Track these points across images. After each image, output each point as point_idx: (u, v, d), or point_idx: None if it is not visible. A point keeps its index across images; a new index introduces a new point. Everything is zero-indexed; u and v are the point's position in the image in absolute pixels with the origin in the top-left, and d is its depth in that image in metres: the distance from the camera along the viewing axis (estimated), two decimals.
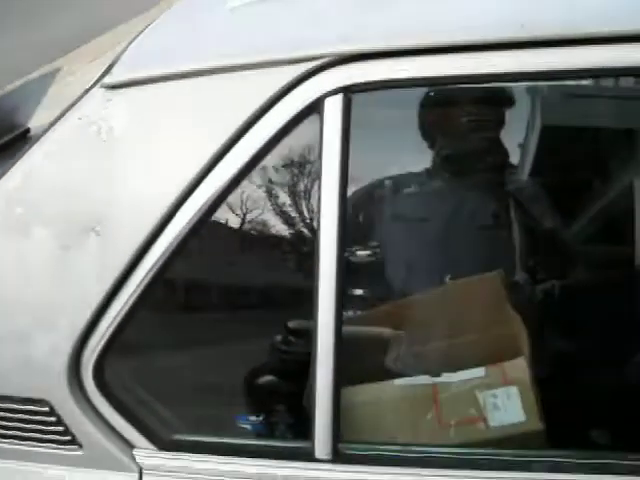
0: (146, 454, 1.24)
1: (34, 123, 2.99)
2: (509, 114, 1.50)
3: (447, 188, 1.55)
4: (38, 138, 1.25)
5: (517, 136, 1.55)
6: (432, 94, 1.34)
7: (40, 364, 1.24)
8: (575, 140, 1.55)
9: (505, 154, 1.52)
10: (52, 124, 1.24)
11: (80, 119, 1.19)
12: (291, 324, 1.33)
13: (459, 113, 1.45)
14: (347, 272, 1.28)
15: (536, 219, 1.53)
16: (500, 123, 1.51)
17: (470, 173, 1.53)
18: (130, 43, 1.28)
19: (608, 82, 1.38)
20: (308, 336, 1.16)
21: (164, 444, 1.25)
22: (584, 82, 1.33)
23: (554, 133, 1.60)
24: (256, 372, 1.37)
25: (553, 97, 1.53)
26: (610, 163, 1.57)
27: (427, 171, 1.54)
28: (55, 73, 2.96)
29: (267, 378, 1.38)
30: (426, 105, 1.40)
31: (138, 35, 1.33)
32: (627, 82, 1.36)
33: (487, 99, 1.42)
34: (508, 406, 1.27)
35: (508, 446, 1.19)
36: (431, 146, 1.50)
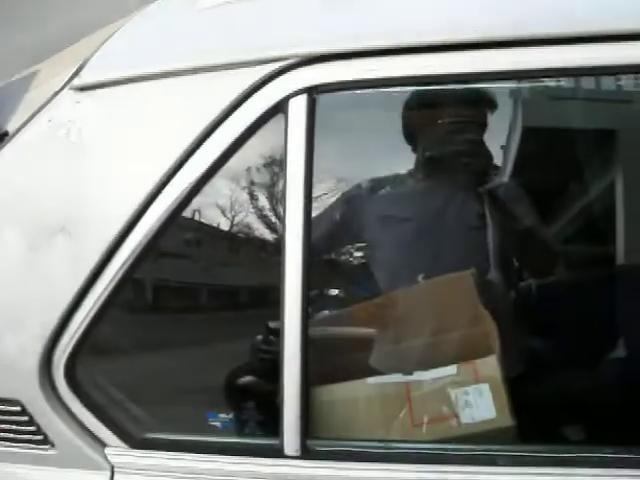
0: (118, 452, 1.25)
1: (12, 126, 2.99)
2: (483, 115, 1.50)
3: (425, 188, 1.56)
4: (8, 140, 1.25)
5: (498, 137, 1.55)
6: (398, 94, 1.35)
7: (11, 364, 1.25)
8: (555, 141, 1.56)
9: (484, 155, 1.52)
10: (22, 126, 1.25)
11: (50, 121, 1.20)
12: (272, 324, 1.34)
13: (428, 114, 1.46)
14: (323, 272, 1.30)
15: (516, 218, 1.54)
16: (473, 123, 1.51)
17: (440, 173, 1.54)
18: (100, 45, 1.28)
19: (588, 83, 1.39)
20: None
21: (136, 442, 1.26)
22: (563, 83, 1.33)
23: (535, 134, 1.61)
24: (230, 372, 1.38)
25: (533, 98, 1.54)
26: (591, 163, 1.58)
27: (397, 171, 1.55)
28: (33, 76, 2.96)
29: (241, 377, 1.38)
30: (394, 106, 1.41)
31: (109, 37, 1.34)
32: (608, 83, 1.37)
33: (456, 99, 1.43)
34: (480, 403, 1.28)
35: (479, 442, 1.20)
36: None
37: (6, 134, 2.85)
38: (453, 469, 1.14)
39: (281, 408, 1.16)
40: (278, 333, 1.23)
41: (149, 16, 1.39)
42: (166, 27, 1.29)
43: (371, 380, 1.34)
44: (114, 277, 1.17)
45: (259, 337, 1.35)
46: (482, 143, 1.49)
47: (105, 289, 1.18)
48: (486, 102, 1.46)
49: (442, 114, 1.45)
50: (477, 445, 1.18)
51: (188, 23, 1.28)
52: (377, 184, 1.53)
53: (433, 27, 1.12)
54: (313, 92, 1.11)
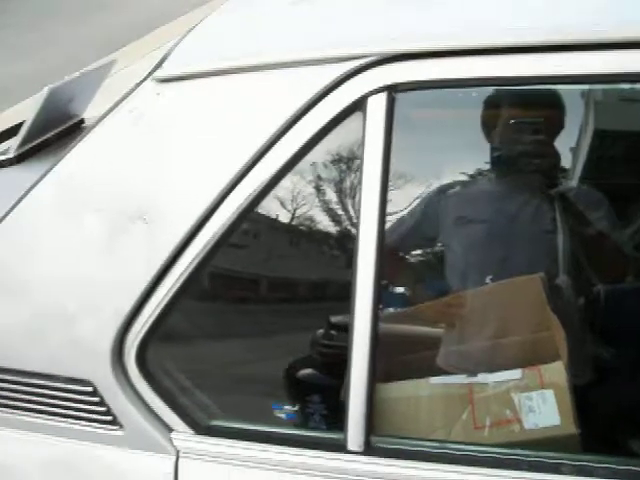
0: (183, 438, 1.28)
1: (89, 114, 3.06)
2: (557, 117, 1.49)
3: (497, 190, 1.55)
4: (92, 128, 1.28)
5: (570, 140, 1.53)
6: (477, 95, 1.34)
7: (86, 346, 1.28)
8: (630, 144, 1.53)
9: (556, 157, 1.51)
10: (104, 115, 1.28)
11: (131, 111, 1.23)
12: (334, 319, 1.35)
13: (505, 114, 1.45)
14: (392, 269, 1.30)
15: (590, 223, 1.52)
16: (549, 126, 1.50)
17: (513, 174, 1.53)
18: (183, 37, 1.31)
19: None
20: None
21: (201, 429, 1.29)
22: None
23: (607, 136, 1.59)
24: (295, 364, 1.39)
25: (606, 100, 1.52)
26: None
27: (480, 172, 1.54)
28: (110, 65, 3.02)
29: (306, 370, 1.40)
30: (473, 106, 1.40)
31: (191, 29, 1.36)
32: None
33: (534, 101, 1.42)
34: (543, 409, 1.27)
35: (541, 449, 1.19)
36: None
37: (82, 122, 2.92)
38: (516, 475, 1.13)
39: (347, 403, 1.16)
40: (339, 328, 1.24)
41: (231, 10, 1.41)
42: (248, 21, 1.30)
43: (434, 380, 1.34)
44: (188, 266, 1.19)
45: (320, 331, 1.36)
46: (553, 146, 1.48)
47: (179, 277, 1.20)
48: (562, 104, 1.44)
49: (517, 115, 1.43)
50: (540, 451, 1.16)
51: (271, 17, 1.29)
52: (451, 184, 1.52)
53: (513, 28, 1.10)
54: (392, 90, 1.11)
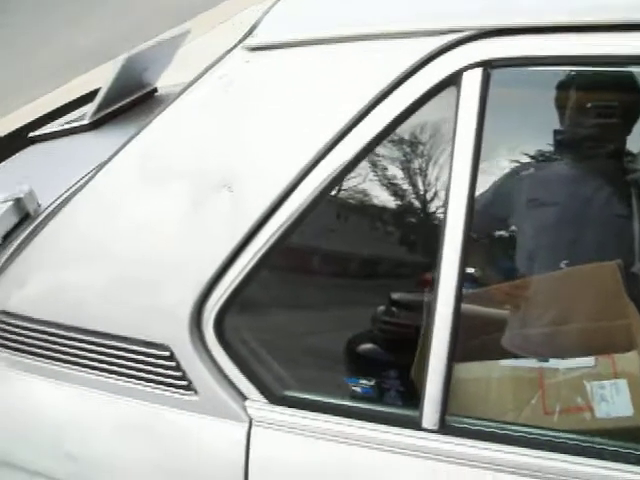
0: (257, 406, 1.29)
1: (162, 82, 3.09)
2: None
3: (573, 173, 1.52)
4: (178, 94, 1.29)
5: None
6: (575, 74, 1.31)
7: (166, 312, 1.30)
8: None
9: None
10: (192, 82, 1.28)
11: (220, 78, 1.23)
12: (395, 295, 1.34)
13: (585, 97, 1.41)
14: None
15: None
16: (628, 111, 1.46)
17: (588, 158, 1.49)
18: (273, 5, 1.30)
19: None
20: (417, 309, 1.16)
21: (275, 398, 1.30)
22: None
23: None
24: (359, 339, 1.39)
25: None
26: None
27: (555, 154, 1.51)
28: (184, 35, 3.04)
29: (372, 345, 1.40)
30: (566, 86, 1.37)
31: None
32: None
33: (616, 83, 1.37)
34: (616, 399, 1.24)
35: (612, 438, 1.17)
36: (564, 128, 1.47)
37: (155, 90, 2.95)
38: (586, 462, 1.11)
39: (424, 381, 1.16)
40: (399, 305, 1.23)
41: None
42: None
43: (505, 362, 1.32)
44: (269, 238, 1.20)
45: (382, 308, 1.35)
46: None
47: (260, 249, 1.20)
48: None
49: (595, 98, 1.40)
50: (613, 440, 1.15)
51: None
52: (524, 165, 1.49)
53: (613, 5, 1.07)
54: (488, 66, 1.09)
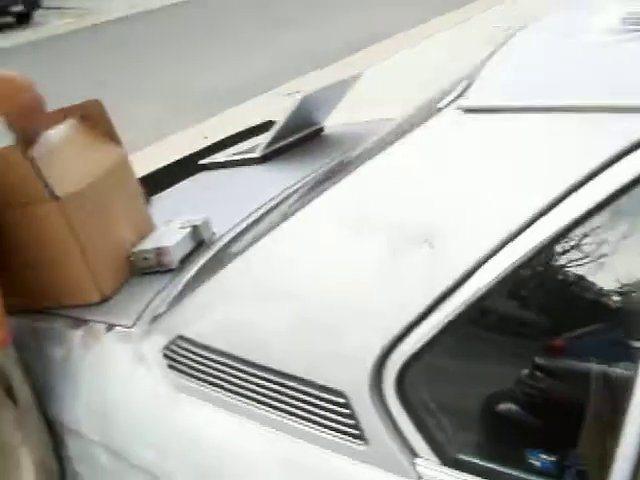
0: (428, 465, 1.27)
1: (329, 122, 3.15)
2: None
3: None
4: (382, 146, 1.31)
5: None
6: None
7: (347, 359, 1.31)
8: None
9: None
10: (399, 134, 1.30)
11: (429, 136, 1.24)
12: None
13: None
14: None
15: None
16: None
17: None
18: (482, 66, 1.30)
19: None
20: None
21: (447, 460, 1.27)
22: None
23: None
24: (544, 412, 1.34)
25: None
26: None
27: None
28: (355, 79, 3.10)
29: (561, 421, 1.35)
30: None
31: (488, 58, 1.35)
32: None
33: None
34: None
35: None
36: None
37: (322, 130, 3.02)
38: None
39: (613, 466, 1.11)
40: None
41: (529, 42, 1.39)
42: (552, 55, 1.28)
43: None
44: (466, 300, 1.18)
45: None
46: None
47: (455, 309, 1.19)
48: None
49: None
50: None
51: (579, 56, 1.26)
52: None
53: None
54: None
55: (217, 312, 1.49)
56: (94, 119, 2.02)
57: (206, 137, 7.42)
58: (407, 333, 1.23)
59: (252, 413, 1.45)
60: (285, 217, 1.47)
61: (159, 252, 1.91)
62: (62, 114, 2.03)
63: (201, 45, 12.45)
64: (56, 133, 1.90)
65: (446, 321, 1.20)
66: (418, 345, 1.22)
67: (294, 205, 1.99)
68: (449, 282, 1.17)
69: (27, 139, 1.88)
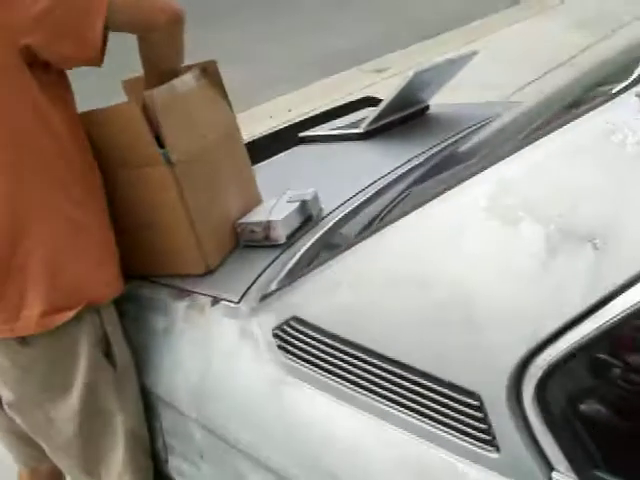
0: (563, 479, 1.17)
1: (435, 101, 3.03)
2: None
3: None
4: (550, 129, 1.19)
5: None
6: None
7: (486, 359, 1.21)
8: None
9: None
10: (565, 120, 1.18)
11: (606, 123, 1.12)
12: None
13: None
14: None
15: None
16: None
17: None
18: None
19: None
20: None
21: (585, 476, 1.17)
22: None
23: None
24: None
25: None
26: None
27: None
28: (470, 57, 2.97)
29: None
30: None
31: None
32: None
33: None
34: None
35: None
36: None
37: (427, 108, 2.90)
38: None
39: None
40: None
41: None
42: None
43: None
44: (625, 309, 1.07)
45: None
46: None
47: (615, 315, 1.08)
48: None
49: None
50: None
51: None
52: None
53: None
54: None
55: (339, 296, 1.40)
56: (210, 80, 1.94)
57: (290, 110, 7.38)
58: (556, 338, 1.12)
59: (368, 405, 1.37)
60: (418, 201, 1.36)
61: (268, 226, 1.83)
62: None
63: (286, 15, 12.36)
64: (180, 83, 1.82)
65: (601, 330, 1.09)
66: (566, 352, 1.12)
67: (418, 187, 1.89)
68: (611, 287, 1.05)
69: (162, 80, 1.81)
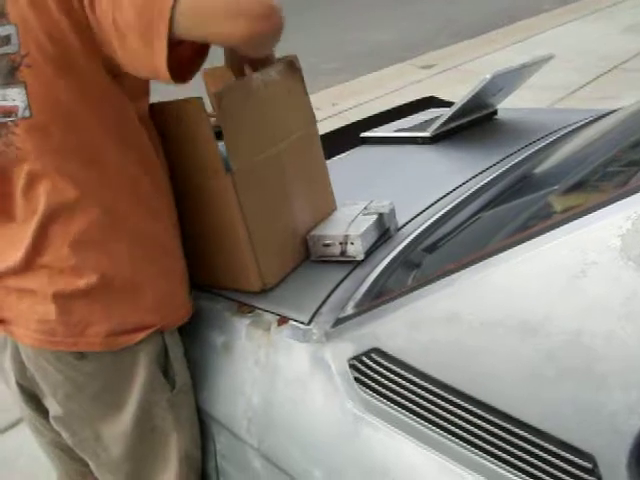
0: None
1: (505, 105, 2.87)
2: None
3: None
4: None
5: None
6: None
7: (606, 419, 1.06)
8: None
9: None
10: None
11: None
12: None
13: None
14: None
15: None
16: None
17: None
18: None
19: None
20: None
21: None
22: None
23: None
24: None
25: None
26: None
27: None
28: (546, 61, 2.82)
29: None
30: None
31: None
32: None
33: None
34: None
35: None
36: None
37: (495, 112, 2.74)
38: None
39: None
40: None
41: None
42: None
43: None
44: None
45: None
46: None
47: None
48: None
49: None
50: None
51: None
52: None
53: None
54: None
55: (431, 331, 1.26)
56: (290, 75, 1.79)
57: (335, 104, 7.22)
58: None
59: (462, 456, 1.22)
60: (527, 231, 1.21)
61: (345, 240, 1.68)
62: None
63: (336, 11, 12.24)
64: (260, 77, 1.67)
65: None
66: None
67: (509, 208, 1.74)
68: None
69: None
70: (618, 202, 1.10)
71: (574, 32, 9.68)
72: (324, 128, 3.06)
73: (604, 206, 1.11)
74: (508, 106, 2.93)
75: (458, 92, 2.52)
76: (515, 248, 1.20)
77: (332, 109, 6.88)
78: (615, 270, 1.07)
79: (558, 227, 1.15)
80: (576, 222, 1.14)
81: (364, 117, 3.05)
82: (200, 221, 1.72)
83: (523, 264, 1.18)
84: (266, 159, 1.70)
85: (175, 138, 1.64)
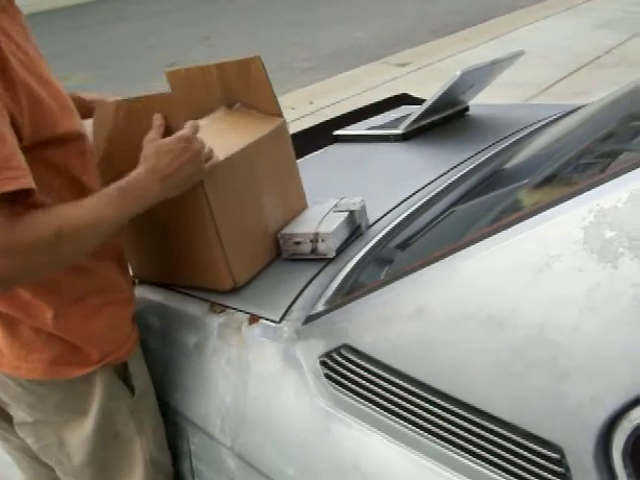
0: None
1: (473, 102, 2.88)
2: None
3: None
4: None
5: None
6: None
7: (572, 410, 1.07)
8: None
9: None
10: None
11: None
12: None
13: None
14: None
15: None
16: None
17: None
18: None
19: None
20: None
21: None
22: None
23: None
24: None
25: None
26: None
27: None
28: (515, 58, 2.84)
29: None
30: None
31: None
32: None
33: None
34: None
35: None
36: None
37: (467, 109, 2.75)
38: None
39: None
40: None
41: None
42: None
43: None
44: None
45: None
46: None
47: None
48: None
49: None
50: None
51: None
52: None
53: None
54: None
55: (400, 326, 1.26)
56: (252, 77, 1.79)
57: (312, 102, 7.22)
58: None
59: (431, 449, 1.23)
60: (492, 226, 1.22)
61: (316, 238, 1.69)
62: (220, 68, 1.82)
63: (315, 6, 12.23)
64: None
65: None
66: None
67: (478, 202, 1.74)
68: None
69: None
70: (581, 195, 1.11)
71: (549, 29, 9.74)
72: (302, 126, 3.07)
73: (567, 199, 1.12)
74: (481, 103, 2.95)
75: (433, 90, 2.54)
76: (481, 242, 1.20)
77: (309, 107, 6.88)
78: (579, 263, 1.08)
79: (523, 221, 1.16)
80: (540, 216, 1.14)
81: (337, 115, 3.05)
82: (170, 220, 1.72)
83: (489, 258, 1.19)
84: (235, 158, 1.70)
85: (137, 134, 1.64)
